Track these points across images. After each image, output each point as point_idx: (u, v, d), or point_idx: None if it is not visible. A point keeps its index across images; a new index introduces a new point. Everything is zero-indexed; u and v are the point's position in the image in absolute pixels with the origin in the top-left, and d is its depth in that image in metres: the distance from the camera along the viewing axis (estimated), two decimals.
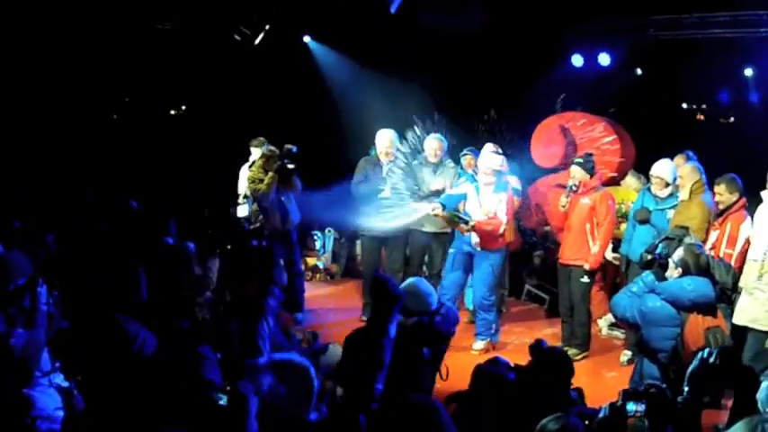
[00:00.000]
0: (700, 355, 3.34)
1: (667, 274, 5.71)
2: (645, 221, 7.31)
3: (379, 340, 4.37)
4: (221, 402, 3.25)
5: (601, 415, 3.34)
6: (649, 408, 3.24)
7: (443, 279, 7.91)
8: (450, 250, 7.93)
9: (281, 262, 9.19)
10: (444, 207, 7.55)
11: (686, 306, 5.47)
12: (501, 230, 7.50)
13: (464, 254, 7.71)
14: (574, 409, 3.77)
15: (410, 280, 5.56)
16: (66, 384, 4.25)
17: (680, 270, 5.61)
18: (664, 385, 3.36)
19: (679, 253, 5.64)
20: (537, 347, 4.38)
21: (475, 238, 7.60)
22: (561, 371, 4.15)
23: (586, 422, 3.50)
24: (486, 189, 7.52)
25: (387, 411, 3.04)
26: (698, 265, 5.58)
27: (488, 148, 8.11)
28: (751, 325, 6.14)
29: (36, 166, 10.76)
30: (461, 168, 8.61)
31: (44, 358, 4.29)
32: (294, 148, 8.91)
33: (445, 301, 7.29)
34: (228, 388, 3.30)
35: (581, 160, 7.64)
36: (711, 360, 3.24)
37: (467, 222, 7.47)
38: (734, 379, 3.29)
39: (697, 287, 5.47)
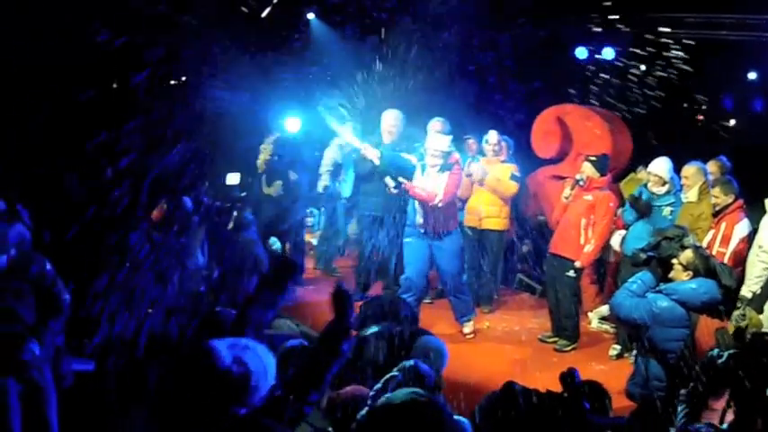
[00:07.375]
0: (709, 354, 3.38)
1: (672, 275, 5.79)
2: (644, 214, 7.34)
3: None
4: None
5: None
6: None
7: (406, 271, 7.53)
8: (406, 239, 7.57)
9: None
10: (382, 155, 7.25)
11: (697, 307, 5.59)
12: (435, 201, 7.12)
13: (421, 240, 7.45)
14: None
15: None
16: None
17: (690, 273, 5.70)
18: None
19: (688, 256, 5.72)
20: (570, 378, 3.97)
21: (419, 219, 7.36)
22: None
23: None
24: (431, 170, 7.23)
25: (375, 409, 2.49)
26: (707, 269, 5.68)
27: (434, 127, 7.90)
28: None
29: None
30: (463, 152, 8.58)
31: None
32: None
33: (412, 296, 7.21)
34: None
35: (594, 158, 7.58)
36: (721, 361, 3.28)
37: (396, 179, 7.11)
38: (739, 382, 3.29)
39: (709, 290, 5.59)
